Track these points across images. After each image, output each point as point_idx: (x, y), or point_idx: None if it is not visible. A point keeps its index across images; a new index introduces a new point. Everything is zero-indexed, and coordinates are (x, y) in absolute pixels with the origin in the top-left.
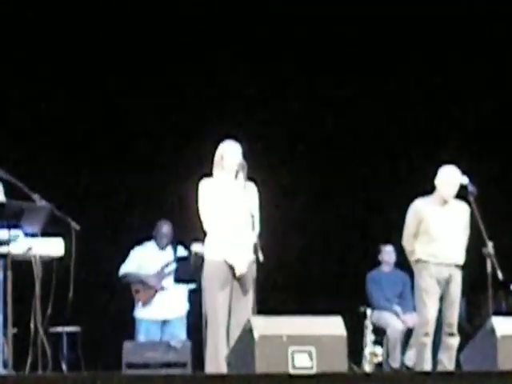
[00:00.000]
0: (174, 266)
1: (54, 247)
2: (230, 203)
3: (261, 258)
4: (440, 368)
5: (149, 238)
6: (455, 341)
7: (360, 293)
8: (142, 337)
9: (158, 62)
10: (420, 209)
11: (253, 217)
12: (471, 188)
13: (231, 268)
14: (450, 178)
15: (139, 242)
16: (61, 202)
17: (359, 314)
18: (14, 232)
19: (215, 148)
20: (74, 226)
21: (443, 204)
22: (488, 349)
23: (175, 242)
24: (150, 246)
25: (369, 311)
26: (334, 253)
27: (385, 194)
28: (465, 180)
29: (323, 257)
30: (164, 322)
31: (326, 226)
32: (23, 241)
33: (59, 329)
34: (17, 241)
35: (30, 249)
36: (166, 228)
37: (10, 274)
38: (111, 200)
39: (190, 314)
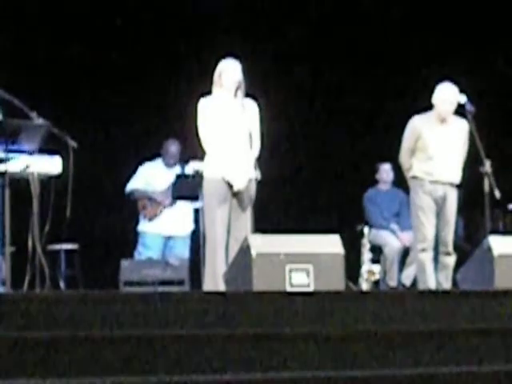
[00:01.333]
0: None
1: (51, 165)
2: (228, 121)
3: (259, 176)
4: (437, 287)
5: (157, 156)
6: (451, 260)
7: (358, 211)
8: (142, 249)
9: None
10: (418, 125)
11: (251, 135)
12: (469, 106)
13: (230, 185)
14: (447, 95)
15: (148, 159)
16: (58, 120)
17: (357, 233)
18: (12, 150)
19: (215, 65)
20: (72, 143)
21: (441, 122)
22: (485, 268)
23: (183, 160)
24: (158, 164)
25: (366, 230)
26: (332, 171)
27: (383, 112)
28: (463, 98)
29: (321, 175)
30: (168, 239)
31: (324, 144)
32: (21, 159)
33: (57, 246)
34: (14, 159)
35: (27, 167)
36: (173, 147)
37: (7, 192)
38: (110, 118)
39: (193, 234)
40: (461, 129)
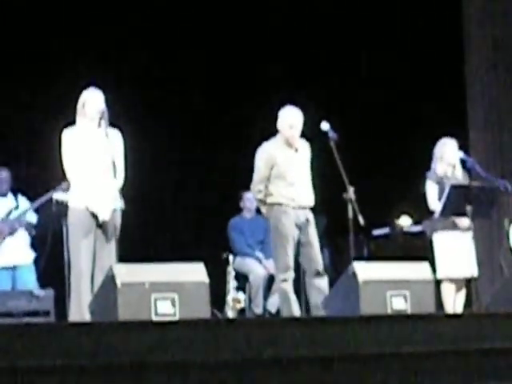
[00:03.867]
0: (20, 211)
1: None
2: (92, 151)
3: (123, 205)
4: (315, 312)
5: None
6: (324, 281)
7: (222, 240)
8: None
9: None
10: (271, 153)
11: (115, 164)
12: (332, 134)
13: (94, 216)
14: (291, 119)
15: None
16: None
17: (222, 261)
18: None
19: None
20: None
21: (290, 145)
22: (350, 294)
23: (15, 189)
24: None
25: (231, 257)
26: (195, 200)
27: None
28: (325, 126)
29: (185, 203)
30: (14, 269)
31: (186, 172)
32: None
33: None
34: None
35: None
36: (4, 174)
37: None
38: None
39: (35, 262)
40: (307, 151)
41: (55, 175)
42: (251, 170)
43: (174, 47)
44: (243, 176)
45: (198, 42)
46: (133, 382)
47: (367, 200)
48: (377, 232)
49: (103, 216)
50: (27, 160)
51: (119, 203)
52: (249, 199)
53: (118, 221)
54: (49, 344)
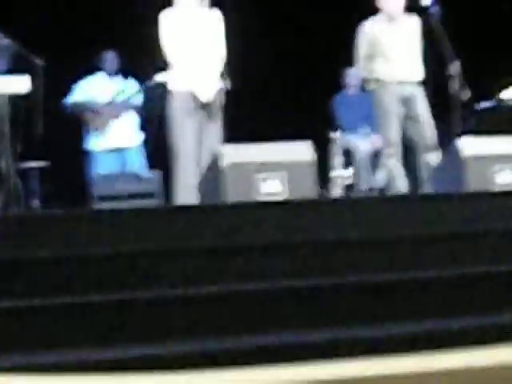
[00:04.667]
0: (127, 94)
1: (20, 84)
2: (192, 31)
3: (228, 85)
4: (423, 188)
5: (96, 69)
6: (433, 156)
7: (328, 117)
8: (100, 169)
9: None
10: (370, 30)
11: (217, 45)
12: (434, 8)
13: (197, 97)
14: None
15: (87, 72)
16: (24, 37)
17: (328, 138)
18: None
19: None
20: (39, 62)
21: (392, 21)
22: (454, 170)
23: (124, 71)
24: (99, 76)
25: (337, 134)
26: (301, 78)
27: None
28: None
29: (289, 81)
30: (122, 151)
31: (288, 49)
32: None
33: (29, 165)
34: None
35: None
36: (111, 55)
37: None
38: (75, 34)
39: (145, 144)
40: (413, 25)
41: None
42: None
43: None
44: (347, 52)
45: None
46: (241, 263)
47: (472, 73)
48: (482, 105)
49: (206, 97)
50: (134, 42)
51: (223, 83)
52: (353, 75)
53: (222, 100)
54: (158, 227)
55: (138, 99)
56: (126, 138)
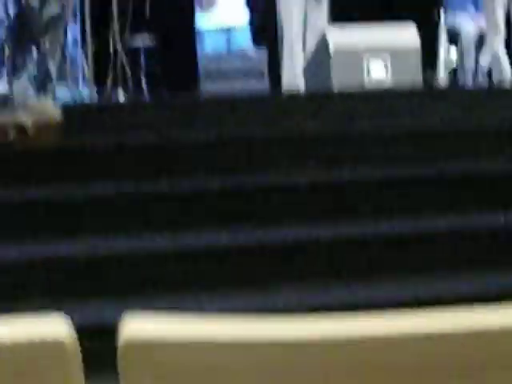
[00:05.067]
0: None
1: None
2: None
3: None
4: None
5: None
6: None
7: None
8: (207, 48)
9: None
10: None
11: None
12: None
13: None
14: None
15: None
16: None
17: (433, 20)
18: None
19: None
20: None
21: None
22: None
23: None
24: None
25: (442, 13)
26: None
27: None
28: None
29: None
30: (229, 30)
31: None
32: None
33: (137, 43)
34: None
35: None
36: None
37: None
38: None
39: (252, 22)
40: None
41: None
42: None
43: None
44: None
45: None
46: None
47: None
48: None
49: None
50: None
51: None
52: None
53: None
54: (261, 114)
55: None
56: (233, 16)
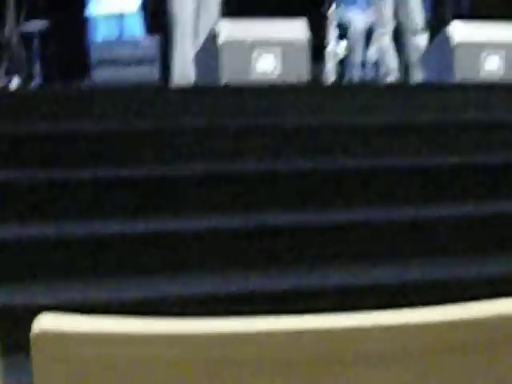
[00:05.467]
0: None
1: None
2: None
3: None
4: (412, 70)
5: None
6: (422, 39)
7: None
8: (99, 34)
9: None
10: None
11: None
12: None
13: None
14: None
15: None
16: None
17: (323, 14)
18: None
19: None
20: None
21: None
22: (444, 55)
23: None
24: None
25: (333, 8)
26: None
27: None
28: None
29: None
30: (121, 16)
31: None
32: None
33: (31, 27)
34: None
35: None
36: None
37: None
38: None
39: (143, 10)
40: None
41: None
42: None
43: None
44: None
45: None
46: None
47: None
48: None
49: None
50: None
51: None
52: None
53: None
54: (153, 106)
55: None
56: (125, 3)
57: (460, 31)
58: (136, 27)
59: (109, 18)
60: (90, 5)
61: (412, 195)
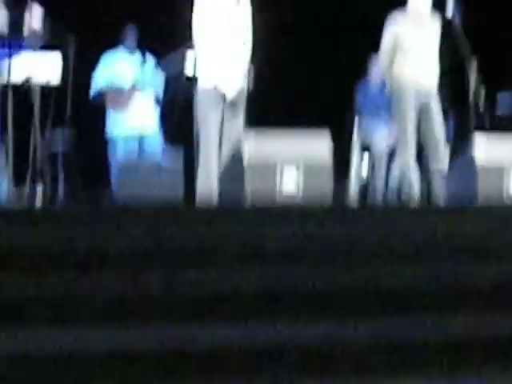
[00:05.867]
0: (146, 73)
1: (50, 68)
2: (223, 24)
3: (250, 84)
4: (432, 196)
5: (115, 45)
6: (444, 166)
7: (350, 102)
8: (120, 155)
9: None
10: (396, 31)
11: (244, 37)
12: (454, 9)
13: (222, 93)
14: None
15: (107, 48)
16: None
17: (348, 123)
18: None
19: None
20: (71, 38)
21: (418, 20)
22: (467, 177)
23: (142, 46)
24: (118, 53)
25: (357, 120)
26: (324, 62)
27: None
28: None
29: (312, 68)
30: (141, 137)
31: (314, 35)
32: (22, 60)
33: (56, 149)
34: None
35: (28, 78)
36: (131, 30)
37: (10, 102)
38: (106, 14)
39: (163, 130)
40: (436, 26)
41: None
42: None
43: None
44: (374, 40)
45: None
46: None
47: (490, 68)
48: (502, 96)
49: (231, 94)
50: (155, 18)
51: (247, 81)
52: (377, 64)
53: (245, 94)
54: (176, 228)
55: (160, 84)
56: (145, 123)
57: (483, 151)
58: (156, 144)
59: (129, 137)
60: (111, 124)
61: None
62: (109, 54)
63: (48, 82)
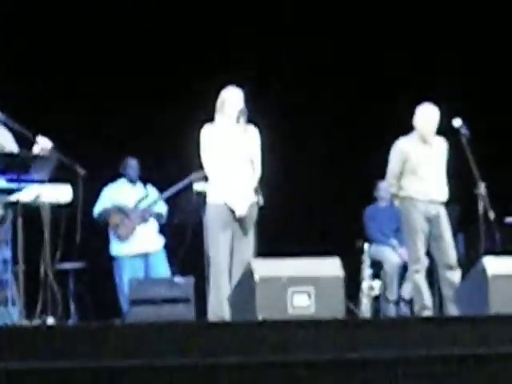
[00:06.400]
0: (149, 200)
1: (62, 194)
2: (230, 147)
3: (261, 201)
4: (447, 304)
5: (117, 176)
6: (456, 275)
7: (358, 228)
8: (123, 273)
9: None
10: (404, 148)
11: (253, 160)
12: (464, 130)
13: (232, 211)
14: (428, 115)
15: (109, 180)
16: (65, 146)
17: (357, 249)
18: (23, 180)
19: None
20: (80, 171)
21: (425, 142)
22: (480, 288)
23: (144, 178)
24: (121, 183)
25: (366, 246)
26: (330, 189)
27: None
28: (458, 122)
29: (319, 193)
30: (146, 256)
31: (322, 165)
32: (32, 188)
33: (66, 266)
34: (26, 188)
35: (38, 197)
36: (134, 163)
37: (20, 221)
38: (113, 143)
39: (167, 248)
40: (443, 147)
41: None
42: (387, 161)
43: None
44: (379, 166)
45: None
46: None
47: (499, 192)
48: (509, 219)
49: (241, 211)
50: (158, 154)
51: (257, 198)
52: (383, 189)
53: (255, 215)
54: (189, 342)
55: (161, 206)
56: (151, 243)
57: (494, 264)
58: (162, 266)
59: (135, 258)
60: (116, 245)
61: None
62: (111, 186)
63: (58, 202)
